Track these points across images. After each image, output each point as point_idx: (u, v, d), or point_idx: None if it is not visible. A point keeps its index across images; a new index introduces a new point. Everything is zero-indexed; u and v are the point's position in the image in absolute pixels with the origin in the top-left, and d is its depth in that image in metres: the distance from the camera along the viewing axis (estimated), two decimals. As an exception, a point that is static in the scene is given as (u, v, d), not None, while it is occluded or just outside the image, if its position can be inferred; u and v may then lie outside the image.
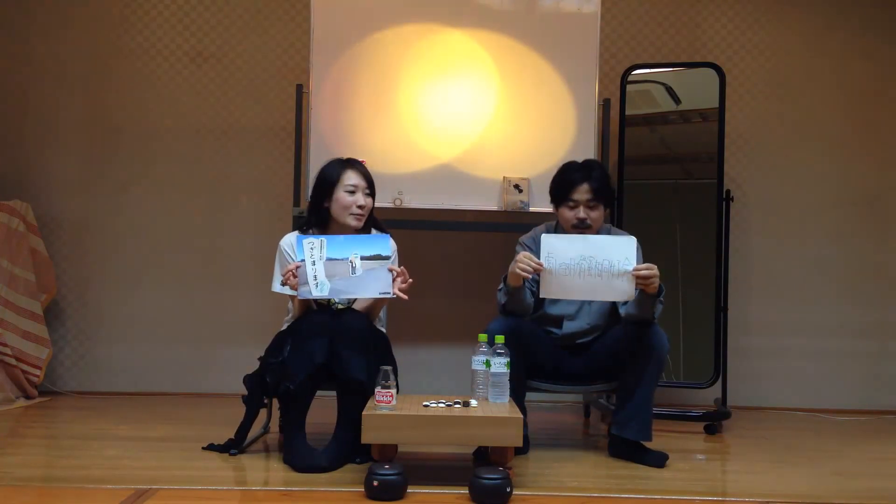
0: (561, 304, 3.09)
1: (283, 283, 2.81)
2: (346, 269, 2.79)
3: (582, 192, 3.03)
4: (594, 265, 2.81)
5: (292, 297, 2.90)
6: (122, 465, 2.74)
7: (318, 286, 2.77)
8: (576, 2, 3.81)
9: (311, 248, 2.79)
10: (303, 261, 2.77)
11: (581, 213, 3.03)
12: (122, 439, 3.16)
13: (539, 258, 2.83)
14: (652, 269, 2.79)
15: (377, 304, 2.97)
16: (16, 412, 3.70)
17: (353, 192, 2.93)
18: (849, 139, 4.39)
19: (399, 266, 2.85)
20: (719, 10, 4.39)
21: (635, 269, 2.79)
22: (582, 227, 3.03)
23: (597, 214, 3.05)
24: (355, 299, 2.97)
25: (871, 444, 3.52)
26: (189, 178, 4.30)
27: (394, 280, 2.81)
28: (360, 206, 2.93)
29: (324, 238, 2.81)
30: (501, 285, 2.99)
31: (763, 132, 4.38)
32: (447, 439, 2.54)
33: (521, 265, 2.83)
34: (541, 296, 2.88)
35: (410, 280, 2.83)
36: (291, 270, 2.76)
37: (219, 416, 3.59)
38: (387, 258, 2.80)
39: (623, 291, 2.82)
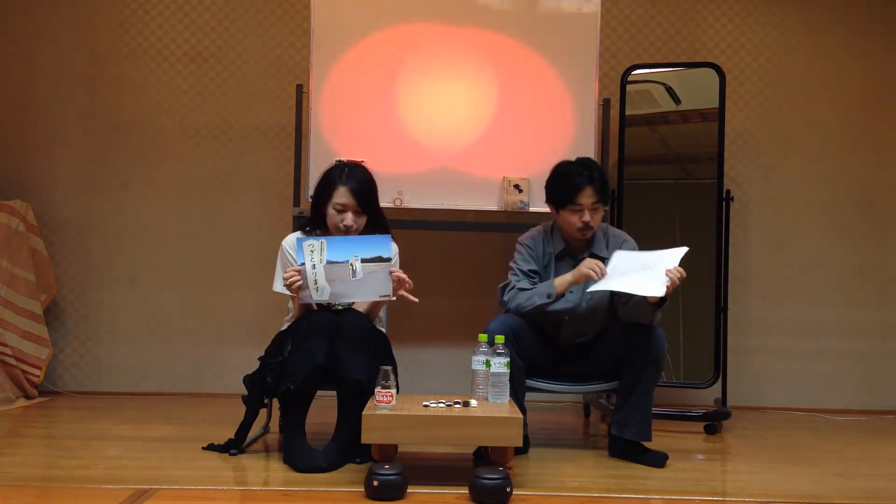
0: (561, 303, 3.09)
1: (285, 286, 2.81)
2: (346, 272, 2.78)
3: (587, 196, 3.00)
4: (647, 270, 2.85)
5: (293, 297, 2.90)
6: (122, 465, 2.74)
7: (319, 290, 2.77)
8: (576, 2, 3.81)
9: (311, 251, 2.77)
10: (303, 264, 2.77)
11: (586, 216, 3.02)
12: (122, 439, 3.16)
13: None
14: (682, 275, 2.81)
15: (377, 304, 2.97)
16: (16, 412, 3.70)
17: (340, 211, 2.90)
18: (848, 139, 4.39)
19: (399, 268, 2.85)
20: (719, 10, 4.39)
21: (675, 269, 2.80)
22: (586, 230, 3.03)
23: (599, 217, 3.06)
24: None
25: (871, 444, 3.52)
26: (189, 178, 4.30)
27: (394, 283, 2.80)
28: (346, 226, 2.89)
29: (323, 240, 2.79)
30: (528, 288, 2.99)
31: (763, 132, 4.39)
32: (447, 439, 2.54)
33: (590, 270, 2.87)
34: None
35: (409, 284, 2.83)
36: (292, 275, 2.75)
37: (219, 416, 3.59)
38: (387, 260, 2.79)
39: (657, 287, 2.82)
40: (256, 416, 2.92)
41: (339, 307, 2.92)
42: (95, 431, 3.30)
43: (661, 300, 2.85)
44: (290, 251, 2.96)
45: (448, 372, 4.20)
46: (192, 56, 4.32)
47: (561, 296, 2.98)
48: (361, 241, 2.82)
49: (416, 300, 2.84)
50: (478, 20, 3.80)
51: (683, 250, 2.89)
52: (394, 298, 2.83)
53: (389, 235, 2.84)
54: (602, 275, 2.88)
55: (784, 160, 4.39)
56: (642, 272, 2.85)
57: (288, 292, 2.86)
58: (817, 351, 4.34)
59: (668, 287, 2.80)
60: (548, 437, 3.46)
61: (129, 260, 4.30)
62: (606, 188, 3.07)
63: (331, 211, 2.91)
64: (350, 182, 2.90)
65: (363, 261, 2.78)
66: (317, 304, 2.91)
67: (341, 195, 2.90)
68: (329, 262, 2.77)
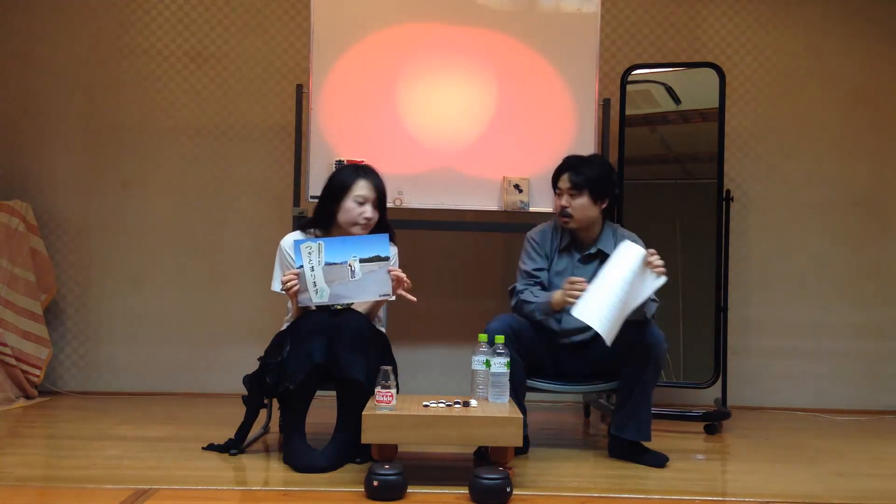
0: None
1: (283, 290, 2.80)
2: (345, 273, 2.77)
3: (563, 181, 3.09)
4: (626, 284, 2.80)
5: (292, 297, 2.90)
6: (122, 465, 2.74)
7: (318, 293, 2.77)
8: (576, 2, 3.81)
9: (310, 253, 2.77)
10: (301, 267, 2.76)
11: (563, 200, 3.07)
12: (122, 439, 3.16)
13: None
14: (654, 254, 2.83)
15: (377, 304, 2.97)
16: (16, 412, 3.70)
17: (361, 203, 2.91)
18: (849, 139, 4.39)
19: (398, 268, 2.85)
20: (719, 10, 4.39)
21: (649, 254, 2.81)
22: (564, 216, 3.08)
23: (578, 203, 3.05)
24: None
25: (871, 444, 3.52)
26: (189, 178, 4.30)
27: (393, 282, 2.80)
28: (366, 218, 2.91)
29: (321, 241, 2.79)
30: (533, 300, 2.99)
31: (763, 132, 4.38)
32: (447, 439, 2.54)
33: (572, 294, 2.83)
34: (608, 342, 2.82)
35: (408, 283, 2.83)
36: (290, 278, 2.75)
37: (219, 416, 3.59)
38: (385, 259, 2.79)
39: (652, 283, 2.81)
40: (256, 416, 2.92)
41: (340, 307, 2.91)
42: (95, 431, 3.30)
43: None
44: (288, 251, 2.95)
45: (448, 372, 4.20)
46: (192, 56, 4.32)
47: (559, 311, 2.98)
48: (359, 242, 2.82)
49: (415, 299, 2.84)
50: (478, 20, 3.80)
51: (626, 242, 2.88)
52: (393, 298, 2.83)
53: (387, 234, 2.84)
54: (580, 292, 2.83)
55: (784, 160, 4.39)
56: (627, 285, 2.79)
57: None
58: (817, 351, 4.34)
59: (659, 272, 2.81)
60: (548, 437, 3.46)
61: (129, 260, 4.30)
62: (593, 179, 3.05)
63: (349, 204, 2.91)
64: (371, 176, 2.95)
65: (361, 261, 2.78)
66: (316, 306, 2.91)
67: (363, 188, 2.92)
68: (327, 264, 2.77)
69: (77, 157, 4.30)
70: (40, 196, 4.25)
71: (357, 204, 2.91)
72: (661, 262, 2.83)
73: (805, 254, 4.37)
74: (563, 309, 2.94)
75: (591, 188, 3.04)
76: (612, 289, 2.78)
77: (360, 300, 2.87)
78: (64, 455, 2.94)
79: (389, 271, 2.79)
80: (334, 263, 2.77)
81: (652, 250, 2.85)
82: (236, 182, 4.31)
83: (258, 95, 4.32)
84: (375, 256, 2.79)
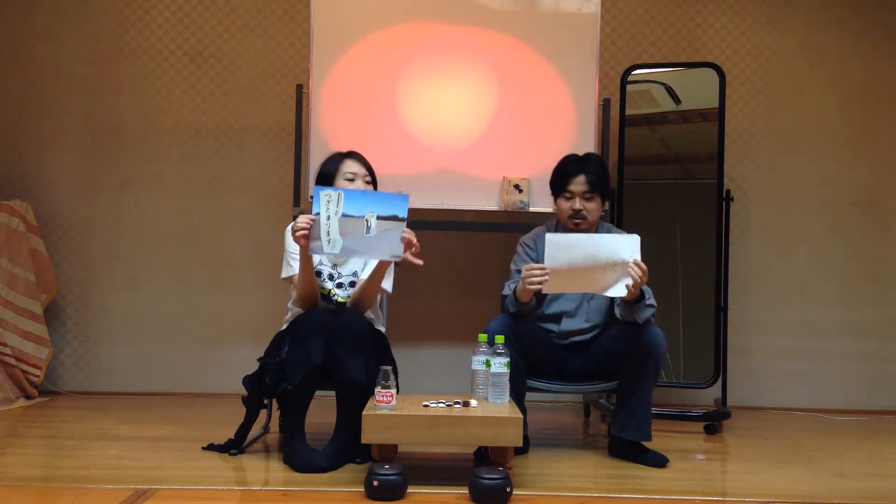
0: (560, 301, 3.09)
1: (295, 232, 2.72)
2: (360, 227, 2.72)
3: (578, 184, 3.05)
4: (598, 264, 2.80)
5: (302, 241, 2.87)
6: (122, 465, 2.74)
7: (331, 243, 2.70)
8: (576, 2, 3.81)
9: (328, 201, 2.71)
10: (317, 214, 2.72)
11: (577, 203, 3.04)
12: (122, 439, 3.16)
13: (543, 257, 2.83)
14: (643, 271, 2.78)
15: (381, 268, 2.90)
16: (16, 412, 3.70)
17: (352, 180, 2.97)
18: (848, 139, 4.39)
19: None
20: (719, 10, 4.39)
21: (635, 264, 2.77)
22: (577, 218, 3.04)
23: (592, 206, 3.05)
24: (357, 287, 2.97)
25: (871, 444, 3.52)
26: (189, 178, 4.30)
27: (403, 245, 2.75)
28: None
29: (341, 191, 2.74)
30: (507, 293, 2.99)
31: (763, 132, 4.39)
32: (447, 439, 2.54)
33: (529, 280, 2.80)
34: (543, 291, 2.86)
35: (417, 247, 2.79)
36: (306, 221, 2.69)
37: (219, 416, 3.59)
38: (403, 220, 2.73)
39: (618, 284, 2.80)
40: (256, 417, 2.92)
41: (341, 299, 2.90)
42: (95, 431, 3.30)
43: (640, 295, 2.86)
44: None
45: (448, 372, 4.20)
46: (192, 56, 4.32)
47: (527, 303, 2.94)
48: (379, 198, 2.77)
49: (421, 262, 2.78)
50: (478, 20, 3.80)
51: (636, 239, 2.82)
52: (400, 258, 2.77)
53: (407, 196, 2.76)
54: (543, 273, 2.80)
55: (784, 160, 4.39)
56: (599, 270, 2.79)
57: (295, 269, 2.87)
58: (817, 351, 4.34)
59: (628, 287, 2.78)
60: (548, 437, 3.46)
61: (129, 260, 4.30)
62: (604, 181, 3.06)
63: (341, 183, 2.97)
64: (355, 156, 3.05)
65: (378, 218, 2.74)
66: (324, 272, 2.90)
67: (349, 166, 3.00)
68: (344, 215, 2.72)
69: (77, 157, 4.30)
70: (40, 196, 4.25)
71: (347, 182, 2.97)
72: (637, 274, 2.76)
73: (805, 254, 4.37)
74: (534, 296, 2.91)
75: (601, 189, 3.06)
76: (586, 247, 2.80)
77: (370, 257, 2.88)
78: (64, 455, 2.94)
79: (403, 233, 2.75)
80: (351, 216, 2.73)
81: (637, 261, 2.77)
82: (236, 182, 4.31)
83: (258, 95, 4.32)
84: (393, 216, 2.72)
